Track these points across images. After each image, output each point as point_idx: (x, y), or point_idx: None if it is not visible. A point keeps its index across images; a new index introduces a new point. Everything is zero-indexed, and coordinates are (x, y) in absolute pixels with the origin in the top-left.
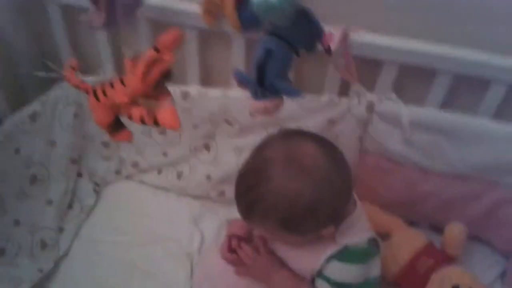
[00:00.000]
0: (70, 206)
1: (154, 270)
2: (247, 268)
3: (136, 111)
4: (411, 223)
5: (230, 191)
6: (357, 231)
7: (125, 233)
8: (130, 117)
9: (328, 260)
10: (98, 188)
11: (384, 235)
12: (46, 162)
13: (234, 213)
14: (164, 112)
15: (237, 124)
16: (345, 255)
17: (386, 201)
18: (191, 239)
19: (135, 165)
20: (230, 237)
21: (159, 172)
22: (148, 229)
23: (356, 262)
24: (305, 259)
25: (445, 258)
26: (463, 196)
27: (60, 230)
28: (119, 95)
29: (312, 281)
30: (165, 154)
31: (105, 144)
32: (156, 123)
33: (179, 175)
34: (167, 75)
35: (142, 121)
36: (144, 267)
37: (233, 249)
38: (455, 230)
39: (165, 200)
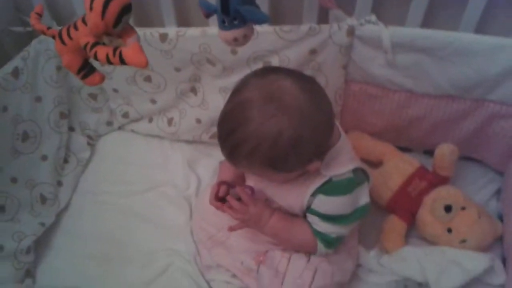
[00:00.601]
0: (66, 160)
1: (154, 216)
2: (239, 222)
3: (101, 50)
4: (402, 149)
5: None
6: (341, 162)
7: (123, 182)
8: (95, 57)
9: (314, 194)
10: (91, 141)
11: (376, 163)
12: (35, 118)
13: None
14: (128, 49)
15: (219, 64)
16: (330, 187)
17: (375, 129)
18: (188, 183)
19: (125, 115)
20: (219, 184)
21: (150, 120)
22: (145, 177)
23: (342, 193)
24: (293, 195)
25: (437, 180)
26: (451, 117)
27: (59, 184)
28: (83, 36)
29: (305, 216)
30: (153, 101)
31: (93, 96)
32: (122, 60)
33: (170, 122)
34: (126, 10)
35: (108, 61)
36: (144, 214)
37: (221, 196)
38: (446, 151)
39: (159, 148)
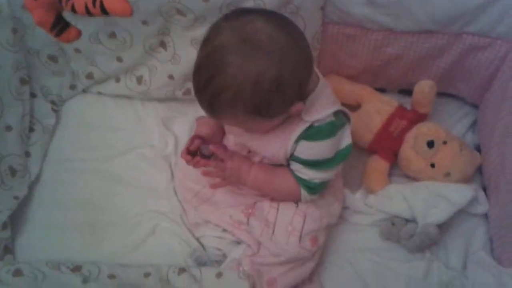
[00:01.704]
0: (31, 129)
1: (133, 179)
2: (219, 179)
3: (79, 1)
4: (380, 90)
5: None
6: (322, 106)
7: (95, 148)
8: (73, 10)
9: (297, 141)
10: (56, 107)
11: (355, 106)
12: None
13: (203, 111)
14: None
15: (190, 13)
16: (313, 133)
17: (353, 71)
18: (165, 143)
19: (89, 76)
20: (192, 138)
21: (117, 80)
22: (118, 140)
23: (324, 137)
24: (276, 144)
25: (417, 117)
26: (430, 53)
27: (27, 154)
28: None
29: (288, 164)
30: (119, 59)
31: (53, 58)
32: (103, 10)
33: (139, 80)
34: None
35: (88, 12)
36: (123, 178)
37: (193, 150)
38: (425, 87)
39: (130, 109)
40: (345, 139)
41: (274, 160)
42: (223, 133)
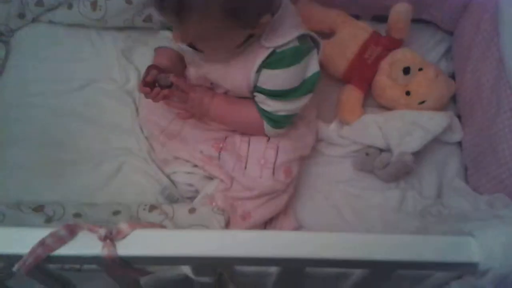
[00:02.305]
0: None
1: (96, 114)
2: (183, 108)
3: None
4: (354, 16)
5: (157, 14)
6: (284, 31)
7: (50, 81)
8: None
9: (259, 70)
10: (4, 38)
11: (329, 33)
12: None
13: (164, 41)
14: None
15: None
16: (275, 60)
17: None
18: (127, 76)
19: (39, 3)
20: (148, 69)
21: (69, 6)
22: (75, 73)
23: (287, 65)
24: (238, 75)
25: (392, 44)
26: None
27: None
28: None
29: (253, 96)
30: None
31: None
32: None
33: (94, 5)
34: None
35: None
36: (84, 114)
37: (150, 81)
38: (401, 11)
39: (86, 38)
40: (312, 66)
41: (238, 92)
42: (183, 66)
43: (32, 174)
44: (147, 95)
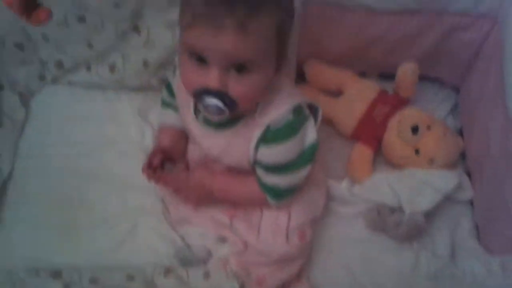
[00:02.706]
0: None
1: (111, 174)
2: (184, 194)
3: None
4: (361, 74)
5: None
6: (277, 105)
7: (68, 142)
8: None
9: (257, 146)
10: (25, 99)
11: (336, 92)
12: None
13: (168, 116)
14: None
15: None
16: (270, 136)
17: (333, 54)
18: (143, 135)
19: (59, 65)
20: (154, 152)
21: (88, 68)
22: (92, 133)
23: (283, 139)
24: (239, 151)
25: (400, 102)
26: (411, 34)
27: None
28: None
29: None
30: (90, 46)
31: (19, 46)
32: None
33: (112, 68)
34: None
35: None
36: (100, 173)
37: (155, 166)
38: (408, 70)
39: (103, 99)
40: (309, 136)
41: (239, 167)
42: (185, 143)
43: (48, 234)
44: (150, 179)
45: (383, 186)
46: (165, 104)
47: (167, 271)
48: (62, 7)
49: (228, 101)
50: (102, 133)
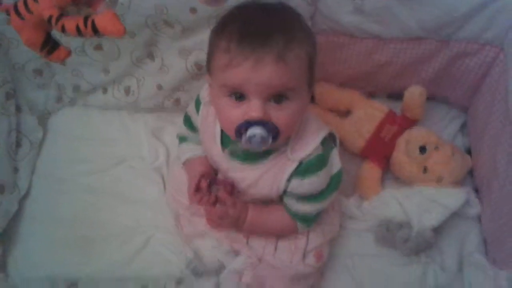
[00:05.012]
0: (18, 144)
1: (124, 192)
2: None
3: (70, 22)
4: (369, 95)
5: (184, 97)
6: (307, 141)
7: (84, 161)
8: (63, 30)
9: (289, 179)
10: (42, 120)
11: (345, 112)
12: None
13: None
14: (103, 17)
15: (178, 25)
16: (303, 170)
17: (342, 77)
18: (156, 154)
19: (76, 88)
20: (200, 176)
21: (104, 91)
22: (107, 152)
23: (315, 172)
24: (268, 185)
25: (407, 123)
26: (418, 59)
27: (15, 170)
28: (45, 7)
29: (281, 199)
30: (106, 71)
31: (38, 72)
32: (95, 31)
33: (127, 91)
34: None
35: (79, 32)
36: (114, 191)
37: (201, 188)
38: (415, 93)
39: (118, 120)
40: (335, 164)
41: (265, 198)
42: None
43: (64, 249)
44: (198, 203)
45: (392, 202)
46: (184, 139)
47: (179, 281)
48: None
49: (271, 129)
50: (116, 152)
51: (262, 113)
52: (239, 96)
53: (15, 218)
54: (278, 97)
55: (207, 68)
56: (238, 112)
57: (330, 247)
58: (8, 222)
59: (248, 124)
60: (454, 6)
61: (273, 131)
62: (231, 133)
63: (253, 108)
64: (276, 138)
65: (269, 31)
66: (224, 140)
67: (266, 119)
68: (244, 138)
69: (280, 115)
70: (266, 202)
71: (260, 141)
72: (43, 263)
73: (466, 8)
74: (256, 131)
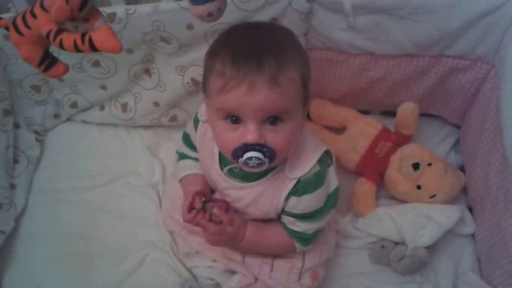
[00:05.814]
0: (15, 160)
1: (120, 208)
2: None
3: (67, 38)
4: (363, 112)
5: (181, 114)
6: (305, 159)
7: (80, 177)
8: (61, 46)
9: (287, 198)
10: (40, 137)
11: (340, 128)
12: None
13: (185, 168)
14: (99, 34)
15: (175, 41)
16: (301, 188)
17: (336, 94)
18: (152, 170)
19: (73, 105)
20: (194, 195)
21: (102, 108)
22: (104, 168)
23: (312, 190)
24: (266, 204)
25: (401, 139)
26: (411, 75)
27: (12, 187)
28: (43, 23)
29: (279, 217)
30: (103, 87)
31: (36, 88)
32: (92, 47)
33: (124, 107)
34: None
35: (76, 48)
36: (110, 208)
37: (195, 208)
38: (407, 110)
39: (115, 136)
40: (332, 181)
41: (263, 217)
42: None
43: (60, 267)
44: (190, 222)
45: (386, 220)
46: (183, 156)
47: None
48: (78, 54)
49: (267, 152)
50: (113, 168)
51: (258, 136)
52: (235, 119)
53: (12, 235)
54: (274, 119)
55: (203, 90)
56: (234, 136)
57: (325, 267)
58: (4, 240)
59: (245, 147)
60: (445, 22)
61: (270, 154)
62: (228, 155)
63: (249, 132)
64: (273, 160)
65: (261, 53)
66: (222, 158)
67: (262, 142)
68: (241, 161)
69: (276, 137)
70: (265, 220)
71: (256, 164)
72: (40, 280)
73: (458, 24)
74: (252, 154)
